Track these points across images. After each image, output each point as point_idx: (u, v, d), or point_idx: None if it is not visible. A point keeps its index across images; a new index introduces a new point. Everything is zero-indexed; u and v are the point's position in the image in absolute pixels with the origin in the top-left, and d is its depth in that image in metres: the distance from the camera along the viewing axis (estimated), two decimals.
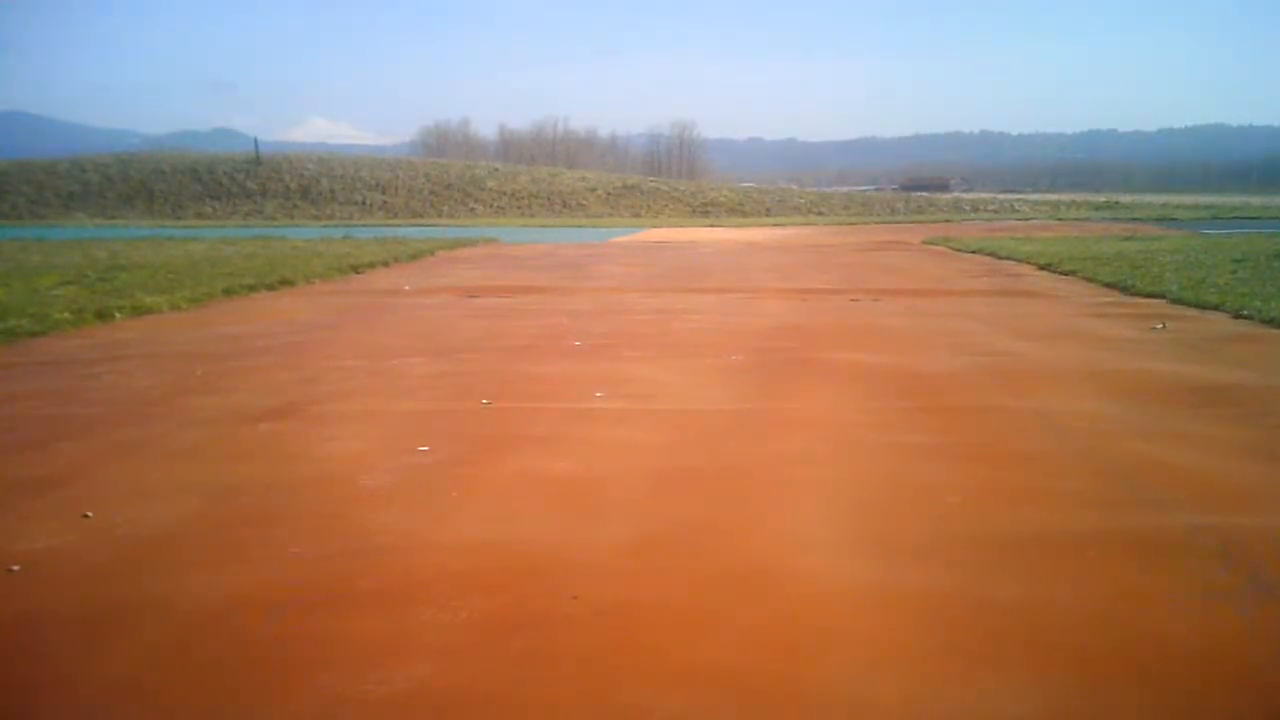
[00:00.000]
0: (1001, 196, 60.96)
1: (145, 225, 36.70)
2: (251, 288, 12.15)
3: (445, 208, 47.48)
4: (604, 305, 10.56)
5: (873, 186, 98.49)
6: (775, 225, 36.11)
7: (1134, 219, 34.70)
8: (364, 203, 47.96)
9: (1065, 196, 64.44)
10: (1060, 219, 36.75)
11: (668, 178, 71.46)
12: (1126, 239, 21.81)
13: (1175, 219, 34.10)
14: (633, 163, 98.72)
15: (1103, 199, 57.76)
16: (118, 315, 9.50)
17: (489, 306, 10.59)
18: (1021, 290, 11.91)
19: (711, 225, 36.75)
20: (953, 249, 20.02)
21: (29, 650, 2.68)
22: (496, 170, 56.92)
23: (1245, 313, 8.96)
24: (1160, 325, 8.51)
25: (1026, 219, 37.93)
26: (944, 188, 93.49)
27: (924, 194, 64.46)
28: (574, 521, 3.66)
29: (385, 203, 48.16)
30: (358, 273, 14.97)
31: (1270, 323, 8.43)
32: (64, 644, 2.71)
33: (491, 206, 48.48)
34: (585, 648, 2.66)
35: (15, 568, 3.22)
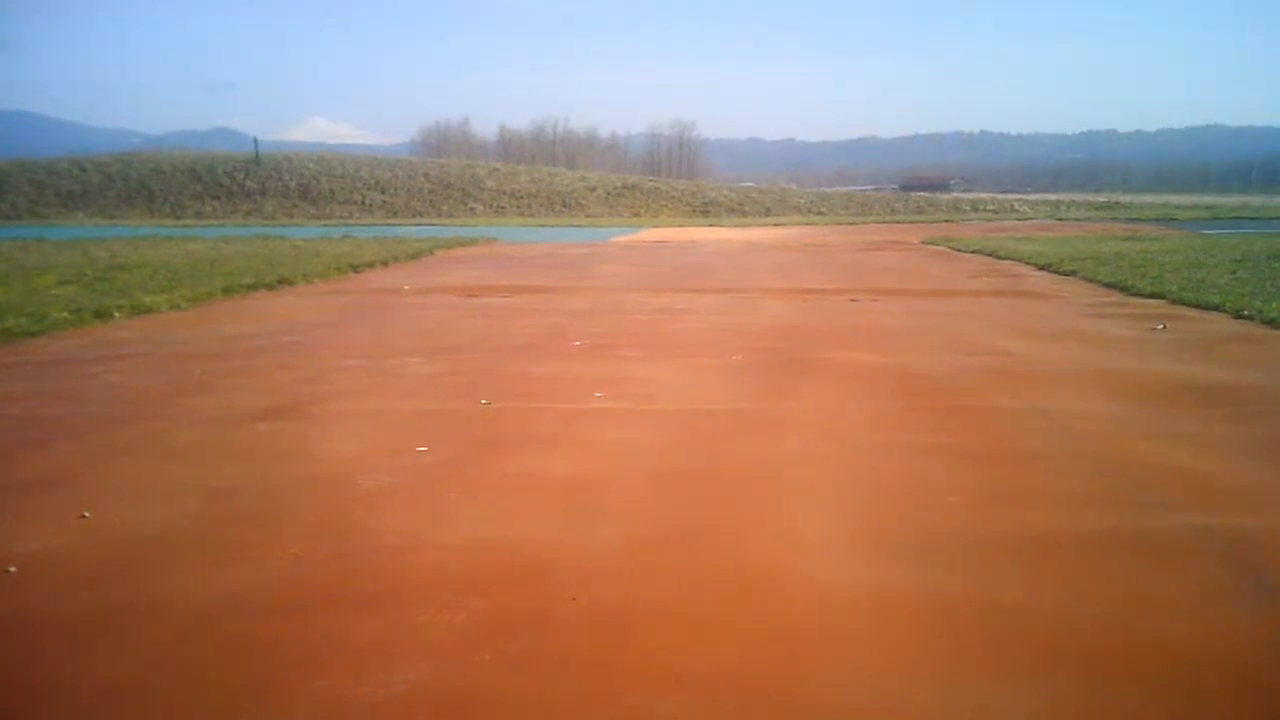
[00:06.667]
0: (1001, 196, 60.89)
1: (145, 225, 36.67)
2: (251, 287, 12.14)
3: (445, 207, 47.44)
4: (604, 305, 10.55)
5: (872, 186, 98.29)
6: (775, 225, 36.09)
7: (1134, 219, 34.68)
8: (364, 202, 47.93)
9: (1065, 196, 64.37)
10: (1060, 219, 36.73)
11: (667, 177, 71.41)
12: (1126, 239, 21.80)
13: (1175, 219, 34.06)
14: (632, 163, 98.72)
15: (1102, 199, 57.77)
16: (117, 315, 9.50)
17: (488, 306, 10.58)
18: (1021, 290, 11.90)
19: (711, 225, 36.72)
20: (952, 249, 20.01)
21: (28, 651, 2.67)
22: (496, 170, 56.85)
23: (1246, 313, 8.96)
24: (1161, 325, 8.51)
25: (1026, 219, 37.92)
26: (944, 188, 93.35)
27: (923, 194, 64.35)
28: (573, 522, 3.65)
29: (385, 202, 48.12)
30: (357, 272, 14.97)
31: (1271, 323, 8.43)
32: (62, 644, 2.70)
33: (491, 206, 48.44)
34: (584, 649, 2.65)
35: (13, 569, 3.21)
